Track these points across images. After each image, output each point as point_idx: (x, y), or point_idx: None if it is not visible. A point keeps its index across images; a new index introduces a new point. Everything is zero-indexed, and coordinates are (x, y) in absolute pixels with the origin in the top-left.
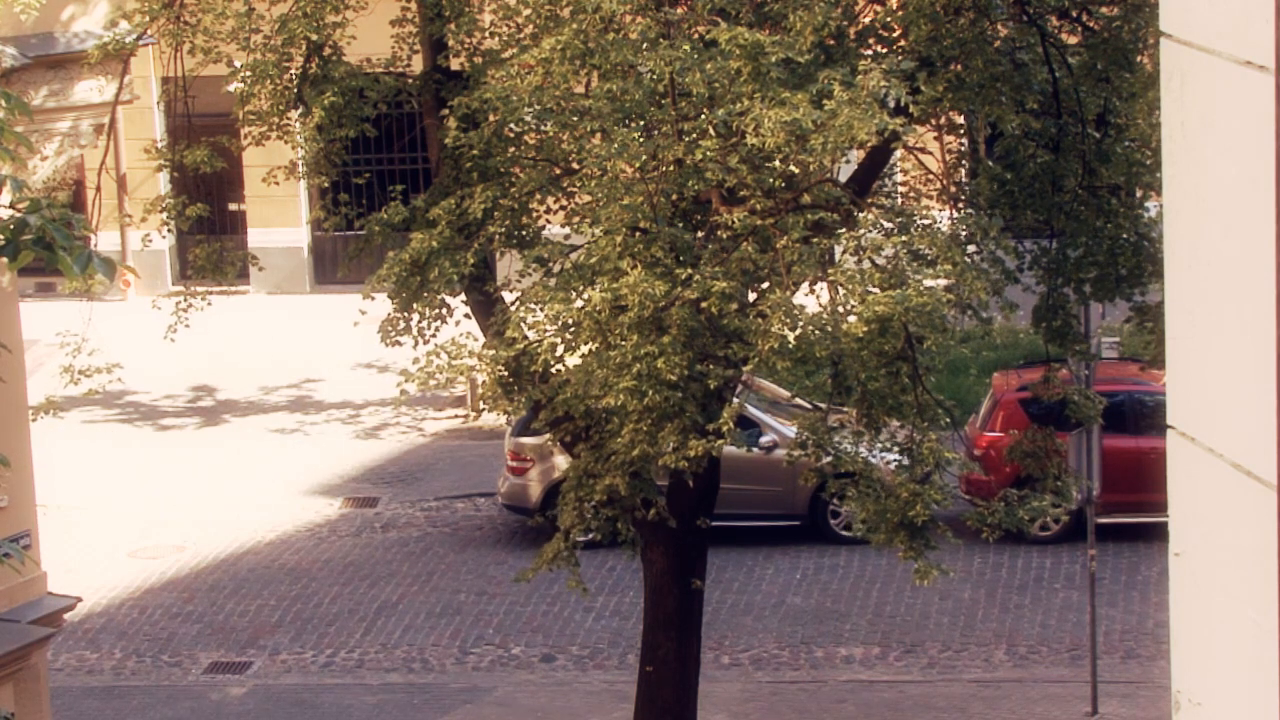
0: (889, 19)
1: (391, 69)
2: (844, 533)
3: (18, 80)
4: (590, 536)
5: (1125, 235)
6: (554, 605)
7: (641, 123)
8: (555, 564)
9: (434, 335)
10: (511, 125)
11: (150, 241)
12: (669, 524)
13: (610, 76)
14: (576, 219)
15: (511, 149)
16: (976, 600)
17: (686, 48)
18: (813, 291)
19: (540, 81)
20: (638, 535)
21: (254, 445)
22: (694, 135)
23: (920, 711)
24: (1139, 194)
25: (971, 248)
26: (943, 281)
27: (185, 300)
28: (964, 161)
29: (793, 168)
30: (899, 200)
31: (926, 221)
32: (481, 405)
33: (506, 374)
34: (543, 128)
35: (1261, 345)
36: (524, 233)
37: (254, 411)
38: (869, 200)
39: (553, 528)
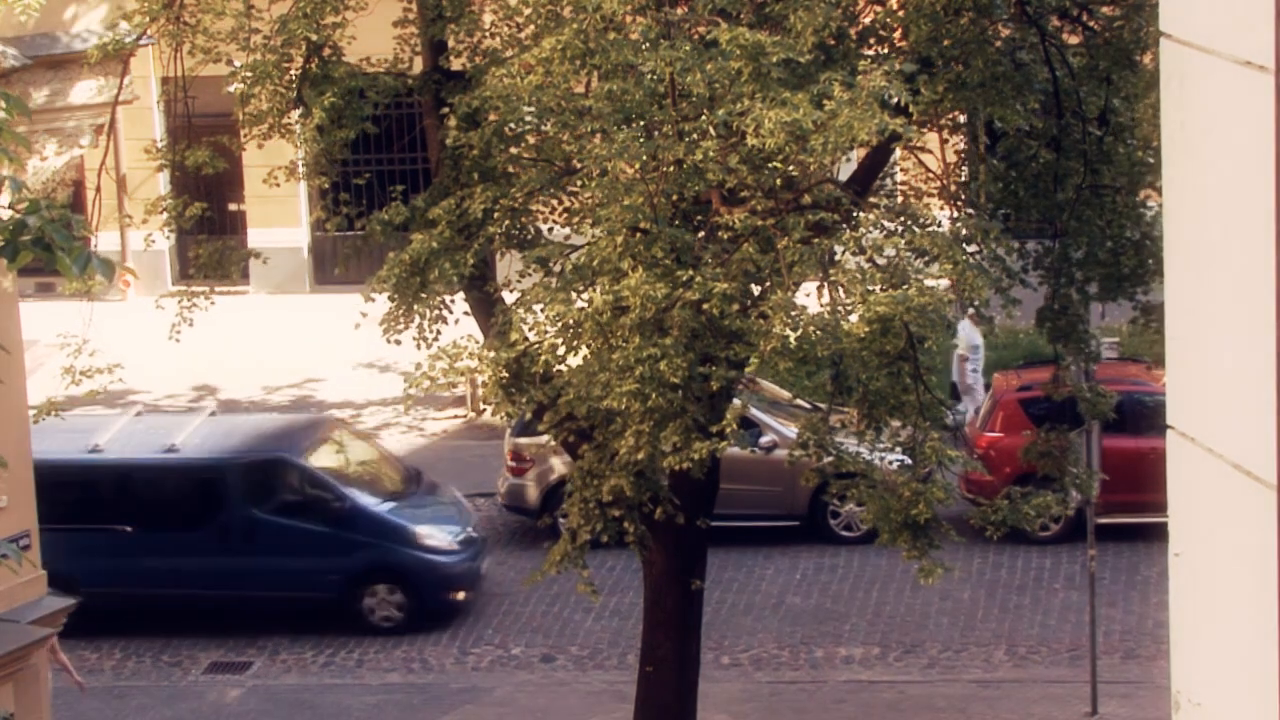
0: (889, 19)
1: (393, 70)
2: (844, 533)
3: (17, 80)
4: (598, 537)
5: (1128, 234)
6: (554, 605)
7: (642, 123)
8: (563, 566)
9: (436, 337)
10: (511, 125)
11: (153, 242)
12: (676, 522)
13: (610, 77)
14: (577, 219)
15: (512, 149)
16: (976, 600)
17: (687, 48)
18: (820, 292)
19: (540, 81)
20: (647, 534)
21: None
22: (694, 136)
23: (920, 711)
24: (1142, 194)
25: (972, 247)
26: (945, 282)
27: (188, 300)
28: (965, 161)
29: (792, 169)
30: (899, 199)
31: (927, 221)
32: (483, 405)
33: (507, 375)
34: (543, 127)
35: (1261, 345)
36: (524, 233)
37: (255, 411)
38: (870, 200)
39: (554, 529)
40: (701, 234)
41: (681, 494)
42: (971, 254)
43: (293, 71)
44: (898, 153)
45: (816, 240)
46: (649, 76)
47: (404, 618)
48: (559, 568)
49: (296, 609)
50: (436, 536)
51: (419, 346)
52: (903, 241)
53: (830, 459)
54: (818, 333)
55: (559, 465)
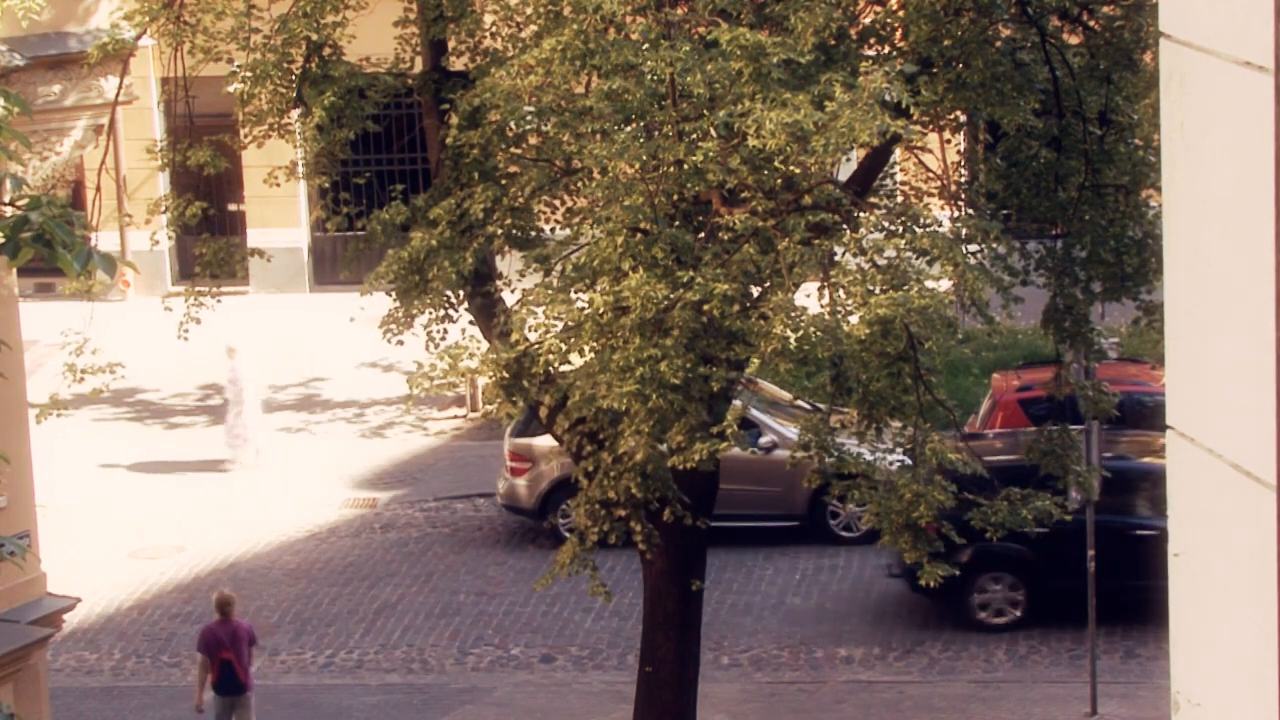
0: (889, 19)
1: (393, 69)
2: (843, 533)
3: (17, 80)
4: (605, 538)
5: (1131, 233)
6: (553, 606)
7: (642, 123)
8: (573, 568)
9: (443, 336)
10: (512, 125)
11: (158, 242)
12: (684, 522)
13: (611, 77)
14: (577, 219)
15: (512, 149)
16: None
17: (687, 48)
18: (820, 293)
19: (541, 81)
20: (655, 533)
21: (253, 445)
22: (695, 136)
23: (920, 712)
24: (1144, 193)
25: (973, 247)
26: (946, 283)
27: (196, 299)
28: (965, 161)
29: (793, 169)
30: (899, 200)
31: (927, 221)
32: (484, 405)
33: (507, 376)
34: (543, 127)
35: (1261, 345)
36: (524, 233)
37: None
38: (870, 201)
39: (555, 531)
40: (702, 235)
41: (681, 494)
42: (972, 254)
43: (293, 71)
44: (898, 153)
45: (817, 241)
46: (649, 77)
47: None
48: (569, 570)
49: None
50: None
51: (428, 348)
52: (903, 242)
53: (832, 460)
54: (818, 334)
55: (558, 466)
